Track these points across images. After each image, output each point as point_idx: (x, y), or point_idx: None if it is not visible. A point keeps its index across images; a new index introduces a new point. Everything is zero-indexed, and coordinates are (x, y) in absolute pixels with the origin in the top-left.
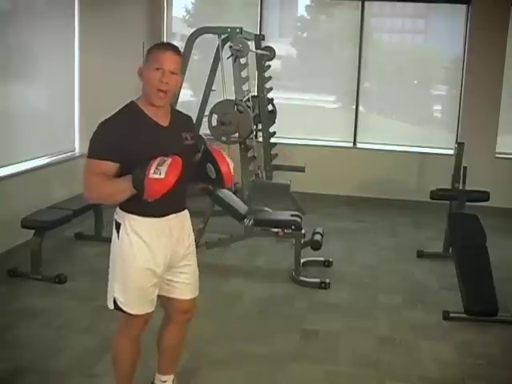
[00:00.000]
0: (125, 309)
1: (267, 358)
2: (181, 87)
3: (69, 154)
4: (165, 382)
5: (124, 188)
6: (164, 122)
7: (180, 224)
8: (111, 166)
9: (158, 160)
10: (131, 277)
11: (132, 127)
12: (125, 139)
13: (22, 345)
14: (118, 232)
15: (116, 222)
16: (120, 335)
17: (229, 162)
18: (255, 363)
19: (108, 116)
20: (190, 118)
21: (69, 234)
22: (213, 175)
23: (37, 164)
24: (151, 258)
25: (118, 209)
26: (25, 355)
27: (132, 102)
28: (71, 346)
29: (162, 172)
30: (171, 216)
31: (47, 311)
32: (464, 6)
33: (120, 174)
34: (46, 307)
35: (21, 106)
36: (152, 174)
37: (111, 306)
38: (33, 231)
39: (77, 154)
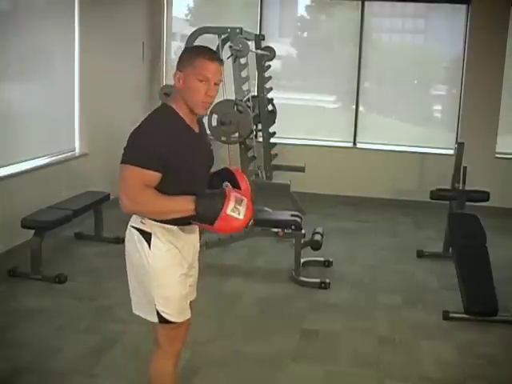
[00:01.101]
0: (172, 319)
1: (267, 357)
2: None
3: (69, 153)
4: None
5: (184, 209)
6: (196, 127)
7: (197, 230)
8: (155, 177)
9: (234, 197)
10: (171, 285)
11: (172, 132)
12: (168, 147)
13: (21, 345)
14: (148, 242)
15: (143, 232)
16: (164, 353)
17: (247, 181)
18: (255, 363)
19: (142, 119)
20: (203, 123)
21: (69, 234)
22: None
23: (37, 164)
24: (185, 263)
25: (142, 218)
26: (24, 355)
27: (167, 106)
28: (71, 346)
29: (241, 213)
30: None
31: (47, 311)
32: (464, 6)
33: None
34: (45, 307)
35: (21, 105)
36: (230, 211)
37: (155, 319)
38: (33, 231)
39: (77, 154)
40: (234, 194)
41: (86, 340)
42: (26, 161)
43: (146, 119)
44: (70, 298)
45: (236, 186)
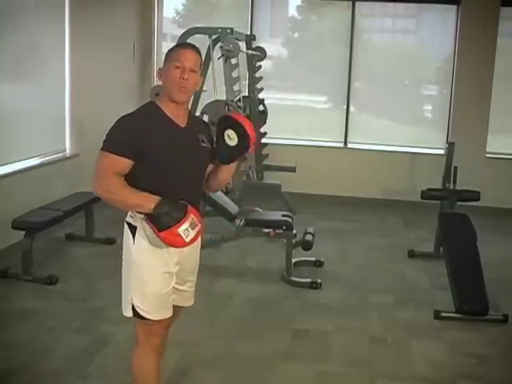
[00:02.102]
0: (146, 316)
1: (258, 357)
2: (201, 89)
3: (60, 154)
4: None
5: (143, 205)
6: (182, 122)
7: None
8: (126, 164)
9: (191, 219)
10: (151, 282)
11: (151, 124)
12: (144, 136)
13: (14, 345)
14: (133, 236)
15: (130, 225)
16: (142, 348)
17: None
18: (246, 363)
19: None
20: (206, 123)
21: (60, 235)
22: (233, 142)
23: (28, 164)
24: (170, 260)
25: (132, 212)
26: (17, 356)
27: (151, 102)
28: (63, 347)
29: (189, 236)
30: None
31: (39, 312)
32: (454, 7)
33: (131, 173)
34: (37, 308)
35: (11, 106)
36: (181, 230)
37: (129, 313)
38: (24, 232)
39: (68, 155)
40: (191, 217)
41: (78, 341)
42: (16, 161)
43: (119, 120)
44: (62, 299)
45: (241, 131)
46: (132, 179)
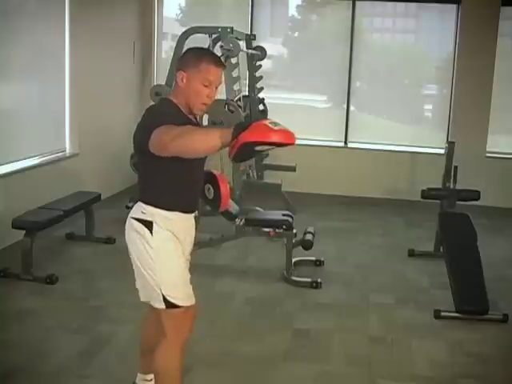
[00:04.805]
0: (179, 303)
1: (259, 357)
2: None
3: (59, 153)
4: (150, 380)
5: (223, 133)
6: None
7: (194, 223)
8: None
9: (270, 119)
10: (177, 269)
11: (177, 116)
12: (175, 122)
13: (13, 346)
14: (150, 230)
15: (144, 221)
16: (171, 342)
17: (227, 186)
18: (247, 363)
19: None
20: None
21: (60, 235)
22: (210, 196)
23: (27, 164)
24: (184, 249)
25: (143, 208)
26: (16, 356)
27: (167, 99)
28: (63, 347)
29: (277, 126)
30: (193, 214)
31: (38, 312)
32: (454, 6)
33: (159, 167)
34: (37, 308)
35: (11, 105)
36: (267, 122)
37: (162, 305)
38: (24, 232)
39: (67, 154)
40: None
41: (77, 341)
42: (16, 161)
43: (150, 110)
44: (61, 298)
45: (217, 189)
46: (156, 175)
